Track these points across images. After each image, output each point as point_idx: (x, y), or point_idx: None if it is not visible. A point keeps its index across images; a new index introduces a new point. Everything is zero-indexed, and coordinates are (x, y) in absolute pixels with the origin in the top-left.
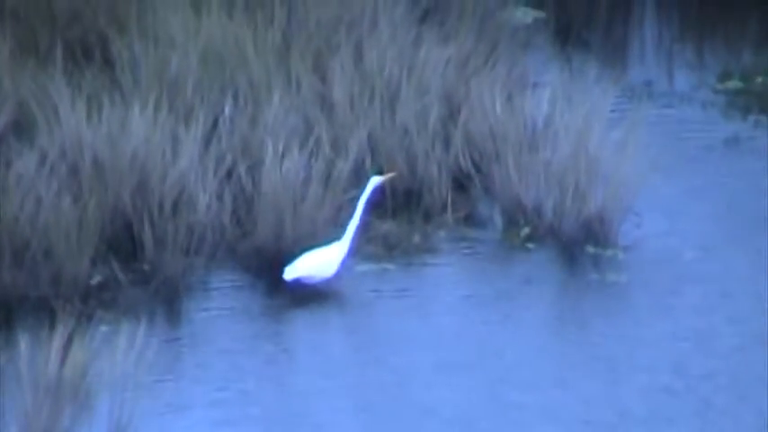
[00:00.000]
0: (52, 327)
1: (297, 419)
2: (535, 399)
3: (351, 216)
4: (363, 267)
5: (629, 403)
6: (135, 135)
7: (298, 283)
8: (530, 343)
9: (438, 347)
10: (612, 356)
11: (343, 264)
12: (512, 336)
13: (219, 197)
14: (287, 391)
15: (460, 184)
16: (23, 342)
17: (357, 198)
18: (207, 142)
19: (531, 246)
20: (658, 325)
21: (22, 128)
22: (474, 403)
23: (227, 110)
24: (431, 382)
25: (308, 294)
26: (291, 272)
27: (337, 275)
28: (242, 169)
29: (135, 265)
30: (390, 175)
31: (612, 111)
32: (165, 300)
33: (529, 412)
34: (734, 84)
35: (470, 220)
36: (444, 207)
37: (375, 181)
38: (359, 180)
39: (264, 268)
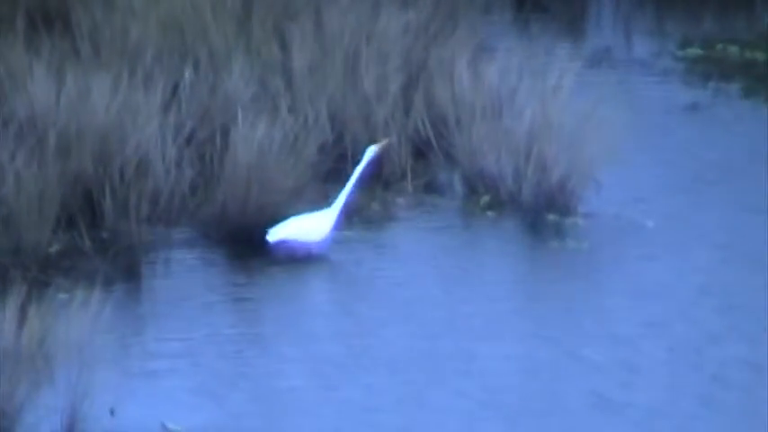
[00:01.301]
0: (9, 294)
1: (256, 384)
2: (497, 350)
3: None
4: None
5: (589, 353)
6: (95, 103)
7: (281, 246)
8: (491, 304)
9: (397, 310)
10: (573, 312)
11: (332, 231)
12: (473, 297)
13: (179, 165)
14: (247, 356)
15: (421, 151)
16: None
17: (319, 165)
18: (167, 110)
19: (490, 213)
20: (620, 287)
21: None
22: (436, 353)
23: (186, 77)
24: (391, 338)
25: (267, 262)
26: (276, 233)
27: (323, 242)
28: (202, 137)
29: (95, 233)
30: (385, 142)
31: (574, 78)
32: (125, 267)
33: (490, 361)
34: (694, 51)
35: (430, 187)
36: (404, 174)
37: (371, 151)
38: (321, 148)
39: (225, 235)
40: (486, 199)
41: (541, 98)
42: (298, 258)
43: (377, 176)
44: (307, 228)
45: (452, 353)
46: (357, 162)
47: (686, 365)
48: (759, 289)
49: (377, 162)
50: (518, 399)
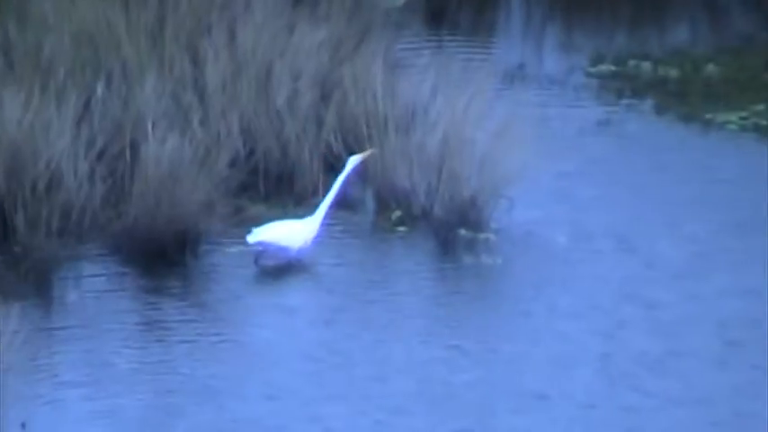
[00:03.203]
0: None
1: (174, 400)
2: (413, 355)
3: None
4: (234, 249)
5: (508, 351)
6: (7, 117)
7: (259, 248)
8: (403, 312)
9: (307, 315)
10: (486, 320)
11: (315, 240)
12: (385, 308)
13: (91, 179)
14: (164, 370)
15: (332, 166)
16: None
17: (230, 179)
18: (79, 124)
19: (402, 229)
20: (532, 299)
21: None
22: (349, 351)
23: (99, 92)
24: (299, 339)
25: (178, 275)
26: (257, 235)
27: (304, 250)
28: (114, 151)
29: (6, 247)
30: (368, 152)
31: (486, 94)
32: (37, 281)
33: (406, 365)
34: (606, 67)
35: (342, 202)
36: (316, 190)
37: (354, 160)
38: (233, 162)
39: (136, 249)
40: (397, 214)
41: (454, 114)
42: (208, 275)
43: (288, 191)
44: (289, 233)
45: (367, 354)
46: (268, 177)
47: (595, 359)
48: (670, 295)
49: (288, 178)
50: (435, 398)
